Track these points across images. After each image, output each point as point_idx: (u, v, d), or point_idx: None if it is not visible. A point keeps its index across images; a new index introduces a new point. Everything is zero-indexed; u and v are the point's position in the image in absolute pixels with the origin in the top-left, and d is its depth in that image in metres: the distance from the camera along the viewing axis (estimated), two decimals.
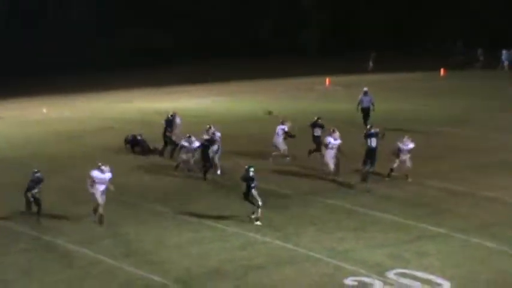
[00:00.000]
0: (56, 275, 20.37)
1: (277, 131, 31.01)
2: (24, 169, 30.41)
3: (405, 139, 28.29)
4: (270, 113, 34.00)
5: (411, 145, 28.17)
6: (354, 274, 20.35)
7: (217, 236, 23.04)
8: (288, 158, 30.85)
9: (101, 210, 23.70)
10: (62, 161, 31.74)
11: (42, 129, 38.04)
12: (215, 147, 29.48)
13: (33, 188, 24.24)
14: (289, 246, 22.30)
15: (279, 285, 19.78)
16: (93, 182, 23.81)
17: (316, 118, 31.32)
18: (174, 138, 31.89)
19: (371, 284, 19.78)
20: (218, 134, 29.94)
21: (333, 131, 28.51)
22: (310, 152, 30.75)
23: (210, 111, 41.95)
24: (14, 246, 22.38)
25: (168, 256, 21.58)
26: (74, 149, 34.04)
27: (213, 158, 29.33)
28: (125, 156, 32.43)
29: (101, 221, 23.67)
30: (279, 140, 30.90)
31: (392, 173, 28.28)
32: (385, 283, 19.84)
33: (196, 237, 23.00)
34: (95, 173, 23.83)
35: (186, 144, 29.46)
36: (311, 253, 21.76)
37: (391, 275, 20.33)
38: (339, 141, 28.33)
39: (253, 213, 23.87)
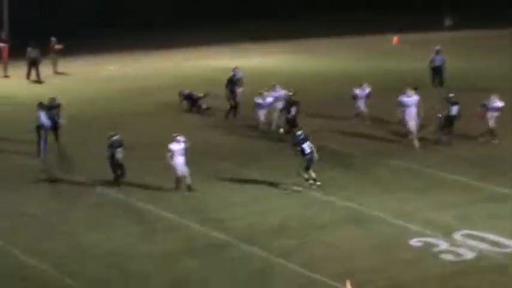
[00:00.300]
0: (123, 230, 20.63)
1: (355, 93, 30.27)
2: (90, 126, 30.82)
3: (492, 97, 27.59)
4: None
5: (499, 103, 27.48)
6: (419, 235, 20.15)
7: (281, 194, 23.02)
8: (367, 121, 30.25)
9: (188, 180, 23.15)
10: (128, 119, 31.96)
11: (108, 86, 38.32)
12: (279, 104, 29.31)
13: (114, 152, 23.69)
14: (353, 206, 22.17)
15: (342, 244, 19.70)
16: (173, 155, 23.14)
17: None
18: (237, 98, 31.53)
19: (437, 245, 19.56)
20: (282, 92, 29.75)
21: (410, 90, 27.62)
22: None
23: (278, 70, 41.71)
24: (82, 201, 22.70)
25: (232, 213, 21.66)
26: (140, 107, 34.23)
27: (278, 117, 29.22)
28: (189, 115, 32.51)
29: (190, 189, 23.23)
30: (361, 103, 30.30)
31: (484, 134, 27.70)
32: (451, 244, 19.59)
33: (260, 195, 23.02)
34: (173, 146, 23.20)
35: (260, 101, 29.33)
36: (375, 213, 21.60)
37: (458, 236, 20.07)
38: (415, 98, 27.61)
39: (311, 180, 23.47)
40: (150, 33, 51.04)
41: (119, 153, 23.72)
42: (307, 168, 23.24)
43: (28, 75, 39.25)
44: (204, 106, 32.81)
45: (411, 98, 27.28)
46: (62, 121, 27.75)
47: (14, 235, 20.25)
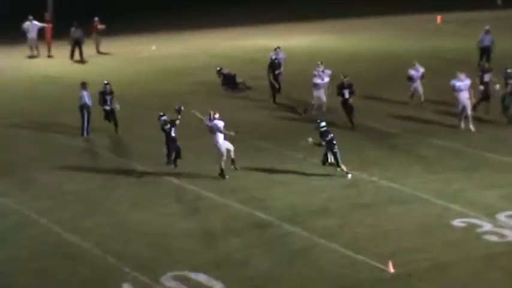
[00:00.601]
0: (165, 208, 20.73)
1: (410, 74, 29.90)
2: (132, 106, 30.95)
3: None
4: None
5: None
6: (462, 215, 19.95)
7: (323, 173, 22.92)
8: (423, 102, 29.96)
9: (232, 155, 23.07)
10: (169, 98, 32.01)
11: (151, 66, 38.46)
12: (326, 79, 29.09)
13: (171, 134, 23.43)
14: (396, 186, 22.02)
15: (384, 224, 19.59)
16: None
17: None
18: (280, 78, 31.21)
19: (480, 226, 19.35)
20: (328, 72, 29.55)
21: (461, 74, 26.93)
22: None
23: (316, 49, 41.48)
24: (124, 179, 22.84)
25: (273, 193, 21.63)
26: (183, 86, 34.31)
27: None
28: (229, 95, 32.49)
29: (234, 165, 23.16)
30: (418, 84, 29.87)
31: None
32: (495, 225, 19.37)
33: (301, 175, 22.95)
34: (207, 121, 23.23)
35: (318, 81, 29.00)
36: (418, 193, 21.44)
37: (501, 217, 19.84)
38: (467, 83, 26.91)
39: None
40: (189, 13, 51.06)
41: (173, 133, 23.52)
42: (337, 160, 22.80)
43: (71, 55, 39.54)
44: (244, 84, 32.78)
45: (463, 83, 26.72)
46: (116, 106, 27.51)
47: (57, 213, 20.45)
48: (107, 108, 27.01)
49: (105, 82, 27.56)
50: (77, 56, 39.40)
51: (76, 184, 22.51)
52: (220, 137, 22.85)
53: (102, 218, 20.12)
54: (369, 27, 48.19)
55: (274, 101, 30.83)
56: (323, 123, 22.79)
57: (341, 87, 27.69)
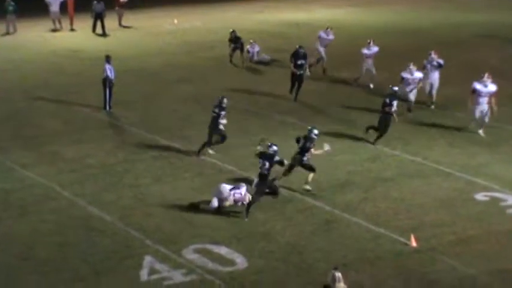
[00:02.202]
0: (188, 182, 20.74)
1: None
2: (154, 80, 30.95)
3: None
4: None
5: None
6: (486, 189, 19.85)
7: (346, 148, 22.86)
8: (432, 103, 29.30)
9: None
10: (191, 72, 32.02)
11: (172, 39, 38.40)
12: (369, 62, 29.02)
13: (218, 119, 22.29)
14: (419, 159, 21.91)
15: (407, 197, 19.52)
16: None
17: None
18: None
19: (504, 200, 19.23)
20: (376, 49, 29.22)
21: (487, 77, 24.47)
22: None
23: (344, 23, 41.22)
24: (146, 153, 22.87)
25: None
26: (204, 60, 34.25)
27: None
28: (254, 69, 32.38)
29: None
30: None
31: None
32: None
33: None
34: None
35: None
36: (441, 167, 21.33)
37: None
38: (491, 89, 25.53)
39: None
40: None
41: (223, 119, 22.37)
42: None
43: (94, 29, 39.56)
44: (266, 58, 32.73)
45: (486, 89, 24.12)
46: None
47: (80, 187, 20.52)
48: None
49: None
50: (99, 30, 39.40)
51: (99, 157, 22.57)
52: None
53: (125, 191, 20.17)
54: (394, 1, 47.78)
55: (290, 92, 28.62)
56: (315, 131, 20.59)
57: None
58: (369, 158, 22.17)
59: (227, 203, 18.75)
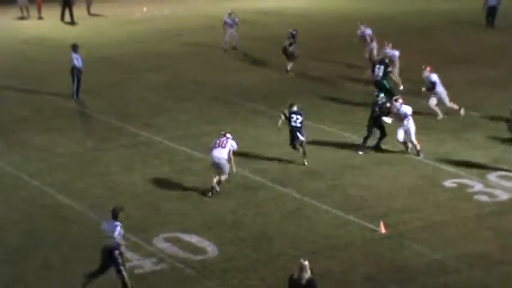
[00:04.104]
0: (156, 169, 20.74)
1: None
2: (123, 67, 30.84)
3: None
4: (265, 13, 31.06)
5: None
6: (453, 176, 20.06)
7: (314, 135, 22.93)
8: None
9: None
10: (160, 60, 31.94)
11: (142, 27, 38.26)
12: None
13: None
14: (387, 147, 22.05)
15: (376, 185, 19.67)
16: None
17: None
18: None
19: (471, 186, 19.45)
20: (368, 31, 29.55)
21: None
22: None
23: (312, 10, 41.28)
24: (116, 141, 22.83)
25: (266, 155, 21.65)
26: (174, 48, 34.17)
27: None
28: (224, 56, 32.37)
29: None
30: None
31: None
32: (486, 185, 19.48)
33: None
34: None
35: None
36: (409, 155, 21.50)
37: (492, 177, 19.96)
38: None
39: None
40: None
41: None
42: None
43: (62, 17, 39.29)
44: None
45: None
46: None
47: (49, 175, 20.45)
48: None
49: None
50: (67, 18, 39.14)
51: (68, 146, 22.49)
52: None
53: (95, 180, 20.13)
54: None
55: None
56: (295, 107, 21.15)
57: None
58: (337, 145, 22.28)
59: None
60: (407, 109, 21.52)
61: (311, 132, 22.74)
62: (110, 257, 14.75)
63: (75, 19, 39.02)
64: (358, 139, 22.32)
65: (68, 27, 38.44)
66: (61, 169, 20.88)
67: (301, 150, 20.99)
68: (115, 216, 14.98)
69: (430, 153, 21.60)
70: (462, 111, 24.53)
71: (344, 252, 16.47)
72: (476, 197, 18.96)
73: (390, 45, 27.81)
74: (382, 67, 25.70)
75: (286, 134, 22.93)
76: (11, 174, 20.58)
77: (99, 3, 41.49)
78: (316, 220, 17.88)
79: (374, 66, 26.20)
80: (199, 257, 16.26)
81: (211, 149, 19.18)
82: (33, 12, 40.06)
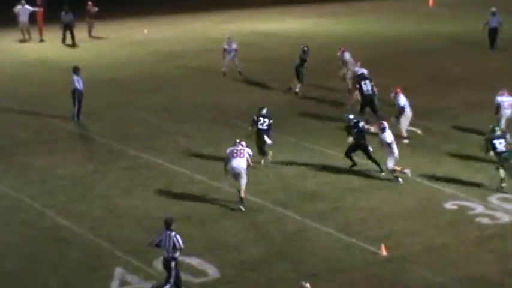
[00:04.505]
0: (157, 192, 20.71)
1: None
2: (124, 89, 30.88)
3: None
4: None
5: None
6: (454, 198, 20.02)
7: (315, 158, 22.94)
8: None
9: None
10: (161, 82, 31.97)
11: (143, 49, 38.32)
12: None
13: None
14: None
15: (377, 208, 19.63)
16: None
17: None
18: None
19: (472, 208, 19.41)
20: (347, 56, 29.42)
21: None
22: None
23: (313, 32, 41.39)
24: (116, 163, 22.81)
25: (266, 177, 21.62)
26: (174, 70, 34.21)
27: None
28: (223, 78, 32.40)
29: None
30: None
31: None
32: (487, 207, 19.43)
33: (294, 158, 22.95)
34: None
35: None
36: (409, 176, 21.43)
37: (493, 199, 19.92)
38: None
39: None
40: None
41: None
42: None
43: (63, 40, 39.36)
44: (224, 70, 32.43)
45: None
46: None
47: (50, 198, 20.42)
48: None
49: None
50: (68, 40, 39.22)
51: (68, 169, 22.47)
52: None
53: (95, 203, 20.10)
54: (363, 11, 48.08)
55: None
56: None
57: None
58: (339, 168, 22.25)
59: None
60: (387, 137, 21.30)
61: (311, 154, 22.77)
62: (168, 266, 15.41)
63: (77, 41, 39.12)
64: (359, 161, 22.30)
65: (69, 49, 38.50)
66: (61, 191, 20.86)
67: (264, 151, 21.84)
68: (168, 226, 15.54)
69: (430, 174, 21.57)
70: (420, 131, 24.49)
71: (345, 274, 16.42)
72: (477, 219, 18.91)
73: (359, 63, 28.16)
74: (367, 81, 25.94)
75: (286, 156, 22.97)
76: (11, 196, 20.56)
77: (100, 25, 41.56)
78: (318, 243, 17.82)
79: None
80: (200, 280, 16.21)
81: (229, 159, 19.51)
82: (35, 34, 40.15)
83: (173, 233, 15.50)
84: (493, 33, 36.38)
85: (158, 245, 15.63)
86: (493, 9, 36.68)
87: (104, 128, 26.21)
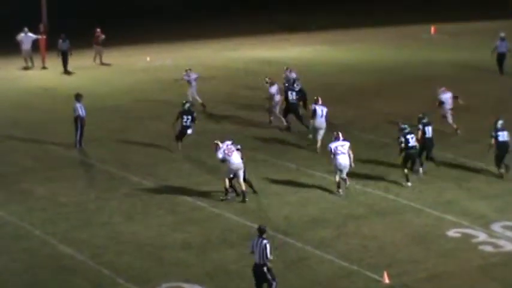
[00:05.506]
0: (159, 219, 20.68)
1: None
2: (126, 116, 30.91)
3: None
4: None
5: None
6: (457, 225, 19.95)
7: (317, 184, 22.91)
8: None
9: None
10: (163, 109, 31.98)
11: (145, 77, 38.42)
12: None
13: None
14: (390, 196, 22.02)
15: (380, 235, 19.56)
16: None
17: None
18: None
19: (475, 236, 19.34)
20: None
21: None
22: None
23: (312, 60, 41.53)
24: (118, 191, 22.79)
25: (268, 204, 21.61)
26: (175, 97, 34.18)
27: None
28: (226, 106, 32.44)
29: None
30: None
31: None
32: (490, 235, 19.36)
33: (295, 185, 22.93)
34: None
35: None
36: (412, 204, 21.44)
37: (496, 227, 19.84)
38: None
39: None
40: (182, 24, 51.03)
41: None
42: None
43: (64, 68, 39.48)
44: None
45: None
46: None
47: (51, 225, 20.38)
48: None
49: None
50: (69, 67, 39.30)
51: (70, 196, 22.45)
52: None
53: (97, 230, 20.06)
54: (363, 38, 48.22)
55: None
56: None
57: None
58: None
59: None
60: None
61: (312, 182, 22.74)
62: (260, 274, 15.88)
63: (71, 69, 39.16)
64: (362, 188, 22.27)
65: (71, 77, 38.60)
66: (63, 219, 20.82)
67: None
68: (261, 233, 16.06)
69: (433, 202, 21.53)
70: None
71: None
72: (480, 247, 18.83)
73: (289, 69, 30.20)
74: (294, 93, 28.13)
75: (288, 183, 22.96)
76: (13, 224, 20.52)
77: (105, 53, 41.68)
78: (320, 270, 17.75)
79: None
80: None
81: (228, 156, 21.38)
82: (37, 62, 40.29)
83: (264, 241, 15.94)
84: (501, 58, 36.58)
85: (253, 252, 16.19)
86: (502, 34, 36.91)
87: (105, 155, 26.21)
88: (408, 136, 22.97)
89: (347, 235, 19.57)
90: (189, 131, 25.64)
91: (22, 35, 39.88)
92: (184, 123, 25.66)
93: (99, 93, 34.42)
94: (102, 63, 41.02)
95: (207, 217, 20.74)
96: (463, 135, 27.20)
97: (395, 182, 22.99)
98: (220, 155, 21.59)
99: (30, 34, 40.02)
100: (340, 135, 22.51)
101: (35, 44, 40.37)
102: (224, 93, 34.00)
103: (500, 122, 23.75)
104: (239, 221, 20.18)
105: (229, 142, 21.87)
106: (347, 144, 22.32)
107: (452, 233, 19.59)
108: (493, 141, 23.32)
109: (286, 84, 29.05)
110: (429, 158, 24.05)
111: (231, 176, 21.70)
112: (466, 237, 19.37)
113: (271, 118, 29.11)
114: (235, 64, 40.80)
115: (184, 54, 44.03)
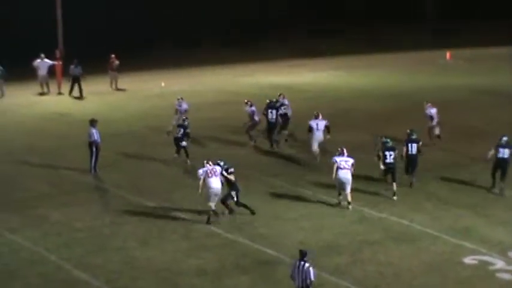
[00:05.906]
0: (174, 245, 20.65)
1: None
2: (140, 141, 30.96)
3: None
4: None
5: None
6: (474, 253, 19.80)
7: (332, 210, 22.84)
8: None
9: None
10: None
11: (160, 102, 38.50)
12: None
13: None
14: (405, 222, 21.92)
15: (395, 262, 19.45)
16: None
17: None
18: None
19: (493, 264, 19.19)
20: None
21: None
22: None
23: (328, 86, 41.56)
24: (133, 216, 22.78)
25: (283, 230, 21.54)
26: (191, 122, 34.27)
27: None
28: (240, 131, 32.43)
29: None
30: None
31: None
32: (508, 263, 19.20)
33: (311, 211, 22.89)
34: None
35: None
36: (428, 230, 21.32)
37: None
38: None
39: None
40: (198, 49, 51.21)
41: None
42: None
43: (70, 92, 39.68)
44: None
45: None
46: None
47: (66, 250, 20.38)
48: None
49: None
50: (76, 93, 39.49)
51: (86, 221, 22.47)
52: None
53: (111, 255, 20.04)
54: (379, 64, 48.22)
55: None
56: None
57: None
58: (355, 220, 22.14)
59: None
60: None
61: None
62: None
63: (85, 94, 39.38)
64: (377, 214, 22.19)
65: (86, 102, 38.73)
66: (78, 244, 20.82)
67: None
68: (303, 256, 16.37)
69: (449, 228, 21.41)
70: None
71: None
72: (498, 274, 18.68)
73: (283, 95, 30.54)
74: (274, 111, 29.30)
75: (303, 209, 22.90)
76: (28, 249, 20.53)
77: (120, 78, 41.87)
78: None
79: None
80: None
81: (207, 177, 21.77)
82: (53, 88, 40.50)
83: (306, 265, 16.19)
84: None
85: (292, 277, 16.24)
86: None
87: (120, 180, 26.24)
88: (387, 152, 23.67)
89: (363, 261, 19.46)
90: (183, 143, 27.36)
91: (38, 61, 40.12)
92: (176, 135, 27.73)
93: (114, 118, 34.52)
94: (117, 89, 41.22)
95: (222, 243, 20.69)
96: (480, 163, 27.01)
97: (410, 208, 22.88)
98: (200, 173, 22.02)
99: (46, 60, 40.25)
100: (345, 150, 22.80)
101: (51, 70, 40.62)
102: (235, 118, 33.96)
103: (504, 139, 24.17)
104: (253, 247, 20.11)
105: (222, 163, 22.50)
106: (351, 160, 22.75)
107: (469, 260, 19.45)
108: (493, 151, 23.96)
109: (268, 102, 30.01)
110: (410, 173, 24.52)
111: (211, 201, 21.87)
112: (484, 264, 19.22)
113: (251, 136, 30.00)
114: (252, 90, 40.85)
115: (198, 80, 44.15)
